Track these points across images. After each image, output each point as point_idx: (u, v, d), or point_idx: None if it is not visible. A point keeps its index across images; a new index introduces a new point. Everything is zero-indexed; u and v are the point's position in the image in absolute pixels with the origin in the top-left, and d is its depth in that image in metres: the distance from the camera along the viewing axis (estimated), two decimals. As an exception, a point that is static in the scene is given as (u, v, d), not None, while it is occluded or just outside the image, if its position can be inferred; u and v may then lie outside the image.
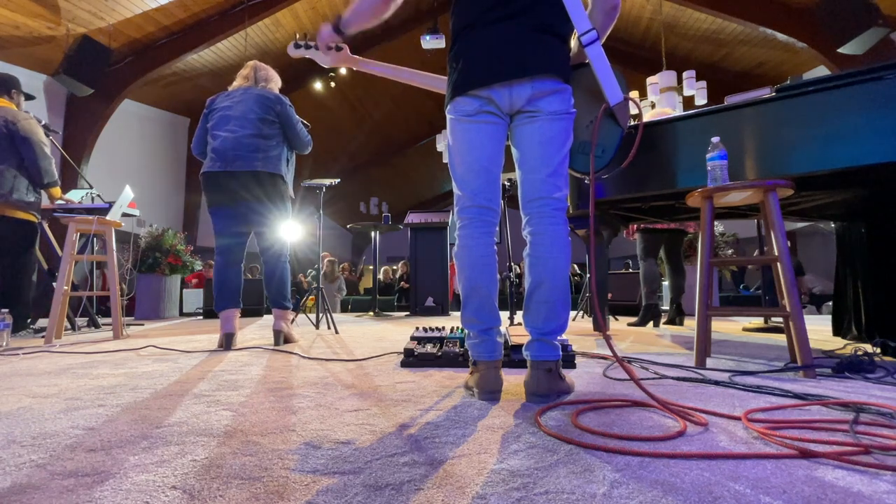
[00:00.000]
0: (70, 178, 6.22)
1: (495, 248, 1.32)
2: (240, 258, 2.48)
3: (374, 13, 1.42)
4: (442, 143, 9.00)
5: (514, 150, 1.35)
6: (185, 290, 6.61)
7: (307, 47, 1.64)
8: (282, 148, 2.44)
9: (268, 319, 4.69)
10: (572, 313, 5.41)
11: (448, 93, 1.33)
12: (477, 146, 1.28)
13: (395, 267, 9.98)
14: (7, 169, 2.94)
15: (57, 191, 3.22)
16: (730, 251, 5.24)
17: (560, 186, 1.28)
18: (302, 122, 2.56)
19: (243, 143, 2.31)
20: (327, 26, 1.50)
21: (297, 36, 1.65)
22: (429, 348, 1.75)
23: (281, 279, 2.48)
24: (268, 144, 2.36)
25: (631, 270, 6.34)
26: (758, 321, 3.45)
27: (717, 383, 1.36)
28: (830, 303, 5.37)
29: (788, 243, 1.67)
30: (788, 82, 1.86)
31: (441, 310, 5.30)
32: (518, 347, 1.67)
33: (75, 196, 3.48)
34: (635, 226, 3.62)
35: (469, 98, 1.26)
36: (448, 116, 1.33)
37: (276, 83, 2.60)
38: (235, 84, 2.54)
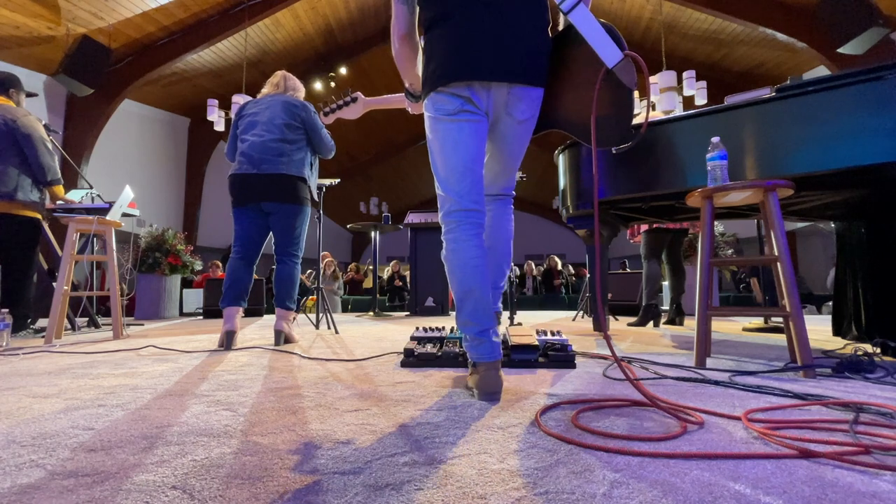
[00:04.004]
0: (70, 178, 6.22)
1: (485, 248, 1.30)
2: (255, 258, 2.53)
3: (407, 60, 1.43)
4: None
5: None
6: (185, 290, 6.62)
7: (332, 111, 1.78)
8: (305, 152, 2.53)
9: (268, 319, 4.69)
10: (572, 313, 5.40)
11: (425, 87, 1.30)
12: (461, 146, 1.26)
13: (387, 267, 9.99)
14: (10, 167, 2.94)
15: (60, 189, 3.21)
16: (730, 251, 5.24)
17: (512, 182, 1.54)
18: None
19: (269, 146, 2.40)
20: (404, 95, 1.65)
21: (322, 105, 1.81)
22: (429, 348, 1.75)
23: (291, 280, 2.52)
24: (292, 148, 2.45)
25: (623, 271, 6.34)
26: (758, 321, 3.45)
27: (717, 383, 1.36)
28: (830, 303, 5.36)
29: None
30: (788, 82, 1.86)
31: (441, 310, 5.29)
32: (518, 347, 1.67)
33: (75, 196, 3.48)
34: (639, 227, 3.62)
35: (448, 97, 1.25)
36: (427, 115, 1.31)
37: (302, 93, 2.71)
38: (264, 91, 2.64)
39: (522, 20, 1.25)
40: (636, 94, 1.32)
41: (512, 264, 3.60)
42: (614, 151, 1.32)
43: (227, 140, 2.59)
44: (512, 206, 1.57)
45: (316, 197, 2.63)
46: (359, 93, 1.76)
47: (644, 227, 3.61)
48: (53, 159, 3.12)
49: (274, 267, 2.55)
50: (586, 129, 1.26)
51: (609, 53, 1.18)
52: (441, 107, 1.26)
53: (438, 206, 1.34)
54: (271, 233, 2.53)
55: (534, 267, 9.63)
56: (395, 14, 1.36)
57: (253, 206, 2.43)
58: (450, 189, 1.29)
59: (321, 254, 3.80)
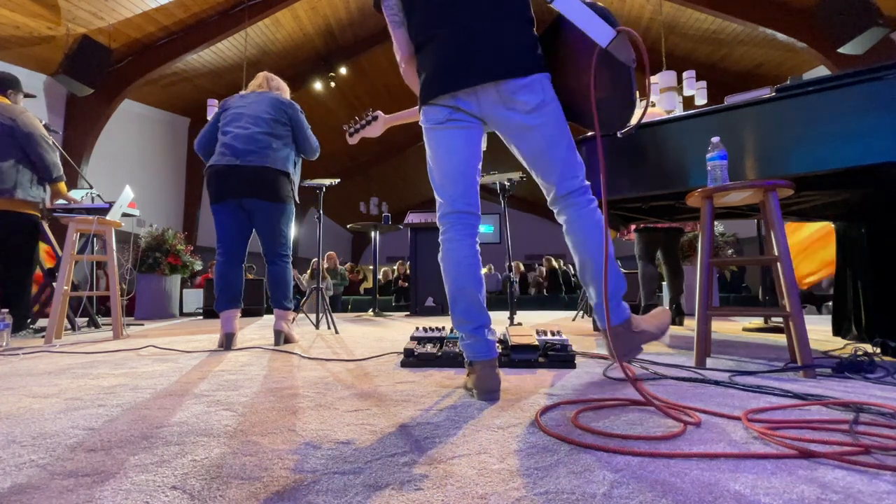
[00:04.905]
0: (70, 178, 6.20)
1: (478, 249, 1.33)
2: (242, 258, 2.49)
3: (416, 78, 1.44)
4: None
5: (513, 150, 1.38)
6: (185, 290, 6.62)
7: (356, 130, 1.81)
8: (291, 149, 2.51)
9: (268, 319, 4.69)
10: (572, 313, 5.40)
11: (419, 101, 1.36)
12: (453, 152, 1.30)
13: (393, 267, 10.01)
14: (10, 165, 2.94)
15: (63, 186, 3.23)
16: (730, 251, 5.24)
17: (574, 172, 1.33)
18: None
19: (256, 138, 2.36)
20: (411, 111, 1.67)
21: (345, 127, 1.83)
22: (429, 348, 1.75)
23: (284, 280, 2.50)
24: (278, 143, 2.43)
25: (624, 270, 6.35)
26: (758, 321, 3.45)
27: (717, 383, 1.36)
28: (830, 303, 5.36)
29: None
30: (788, 82, 1.86)
31: (441, 310, 5.30)
32: (518, 347, 1.67)
33: (76, 196, 3.48)
34: (632, 226, 3.62)
35: (437, 108, 1.29)
36: (422, 127, 1.37)
37: (287, 93, 2.68)
38: (248, 90, 2.61)
39: (498, 21, 1.26)
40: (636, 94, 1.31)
41: (511, 263, 3.62)
42: (620, 135, 1.31)
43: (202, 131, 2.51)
44: (591, 202, 1.35)
45: (297, 198, 2.57)
46: (379, 111, 1.82)
47: (634, 226, 3.60)
48: (57, 156, 3.14)
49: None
50: (592, 115, 1.25)
51: (600, 33, 1.16)
52: (431, 117, 1.31)
53: (437, 210, 1.38)
54: (257, 234, 2.49)
55: (521, 266, 9.84)
56: (395, 39, 1.41)
57: (233, 202, 2.37)
58: (444, 193, 1.33)
59: (328, 254, 3.80)
